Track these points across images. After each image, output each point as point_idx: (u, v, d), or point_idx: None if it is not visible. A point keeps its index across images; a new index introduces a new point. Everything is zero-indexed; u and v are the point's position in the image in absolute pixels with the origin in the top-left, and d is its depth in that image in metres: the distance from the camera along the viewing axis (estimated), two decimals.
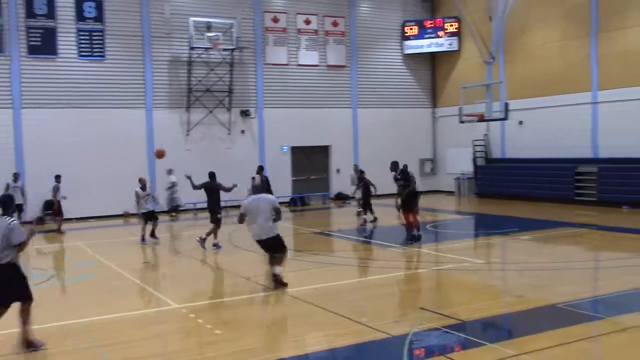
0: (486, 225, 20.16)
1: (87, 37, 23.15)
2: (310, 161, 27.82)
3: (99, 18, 23.30)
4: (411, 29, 29.42)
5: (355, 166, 22.85)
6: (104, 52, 23.42)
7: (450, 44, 29.06)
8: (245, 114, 26.00)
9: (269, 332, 8.33)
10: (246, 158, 25.57)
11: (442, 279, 11.95)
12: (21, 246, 7.70)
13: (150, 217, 16.74)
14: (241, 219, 10.80)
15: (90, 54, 23.21)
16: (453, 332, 8.02)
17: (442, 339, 7.86)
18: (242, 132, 26.14)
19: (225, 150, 25.44)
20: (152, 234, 16.84)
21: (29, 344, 7.70)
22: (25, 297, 7.79)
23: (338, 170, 27.95)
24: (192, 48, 24.19)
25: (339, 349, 7.67)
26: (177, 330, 8.70)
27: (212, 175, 15.68)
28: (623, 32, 22.09)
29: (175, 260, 15.15)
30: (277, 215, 10.63)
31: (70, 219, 21.10)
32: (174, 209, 23.00)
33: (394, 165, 15.51)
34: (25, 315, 7.77)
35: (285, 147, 26.98)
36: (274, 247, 10.66)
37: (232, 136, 25.85)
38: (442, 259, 13.47)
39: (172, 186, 22.93)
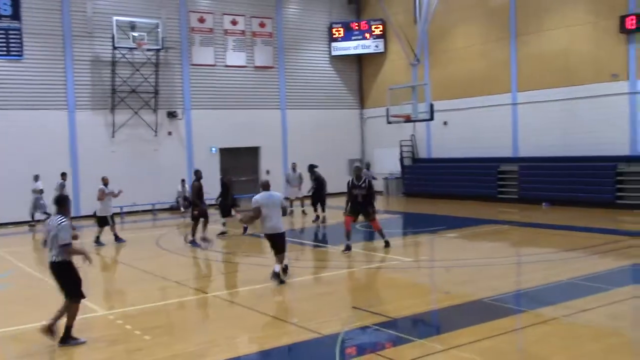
0: (414, 224, 20.56)
1: (3, 36, 22.14)
2: (240, 162, 27.59)
3: (16, 16, 22.32)
4: (338, 30, 29.69)
5: (294, 164, 22.51)
6: (22, 51, 22.46)
7: (376, 46, 29.49)
8: (172, 115, 25.54)
9: (199, 336, 8.20)
10: (174, 160, 25.19)
11: (373, 277, 12.12)
12: (66, 247, 7.72)
13: (111, 219, 16.77)
14: (259, 212, 10.92)
15: (6, 53, 22.20)
16: (383, 329, 8.14)
17: (373, 336, 7.97)
18: (169, 133, 25.67)
19: (152, 152, 24.91)
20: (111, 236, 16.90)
21: (50, 330, 7.83)
22: (71, 295, 7.89)
23: (268, 172, 27.84)
24: (115, 48, 23.56)
25: (272, 350, 7.67)
26: (103, 338, 8.41)
27: (195, 173, 16.78)
28: (538, 35, 23.01)
29: (101, 266, 14.70)
30: (284, 211, 11.33)
31: None
32: (47, 216, 21.40)
33: (360, 170, 14.50)
34: (64, 309, 7.89)
35: (214, 149, 26.67)
36: (279, 242, 11.06)
37: (159, 138, 25.34)
38: (372, 257, 13.65)
39: (39, 192, 20.80)
